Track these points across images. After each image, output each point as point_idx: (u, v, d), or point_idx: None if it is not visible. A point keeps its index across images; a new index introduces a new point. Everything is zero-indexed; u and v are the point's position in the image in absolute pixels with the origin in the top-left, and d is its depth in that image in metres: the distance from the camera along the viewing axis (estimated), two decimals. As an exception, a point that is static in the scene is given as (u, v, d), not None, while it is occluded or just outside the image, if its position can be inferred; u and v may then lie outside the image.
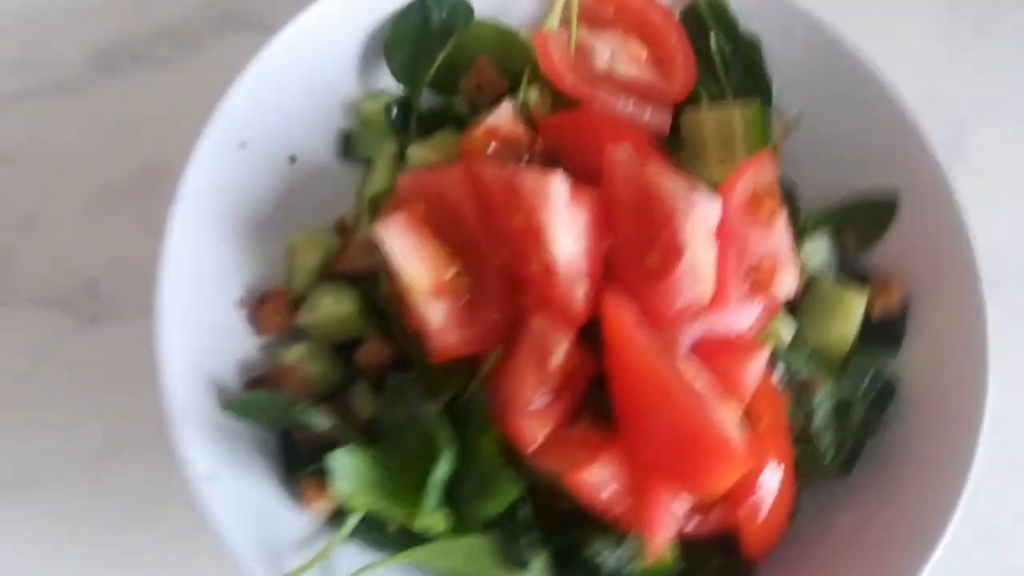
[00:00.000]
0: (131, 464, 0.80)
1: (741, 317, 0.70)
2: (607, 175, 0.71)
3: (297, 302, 0.76)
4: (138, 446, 0.80)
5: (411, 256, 0.65)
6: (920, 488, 0.74)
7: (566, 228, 0.64)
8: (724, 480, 0.61)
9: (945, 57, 1.14)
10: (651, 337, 0.65)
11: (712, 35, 0.89)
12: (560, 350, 0.64)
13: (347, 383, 0.75)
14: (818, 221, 0.86)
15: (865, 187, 0.88)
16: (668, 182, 0.68)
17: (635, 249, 0.69)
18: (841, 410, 0.76)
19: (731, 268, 0.70)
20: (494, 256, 0.68)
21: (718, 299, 0.69)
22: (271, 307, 0.74)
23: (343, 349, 0.75)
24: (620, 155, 0.70)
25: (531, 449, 0.64)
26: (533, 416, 0.64)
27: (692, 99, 0.87)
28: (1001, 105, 1.11)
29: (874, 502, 0.76)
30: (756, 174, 0.74)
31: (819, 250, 0.84)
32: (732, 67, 0.90)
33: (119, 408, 0.81)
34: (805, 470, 0.76)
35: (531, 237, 0.65)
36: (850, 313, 0.80)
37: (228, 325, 0.73)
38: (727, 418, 0.62)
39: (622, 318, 0.64)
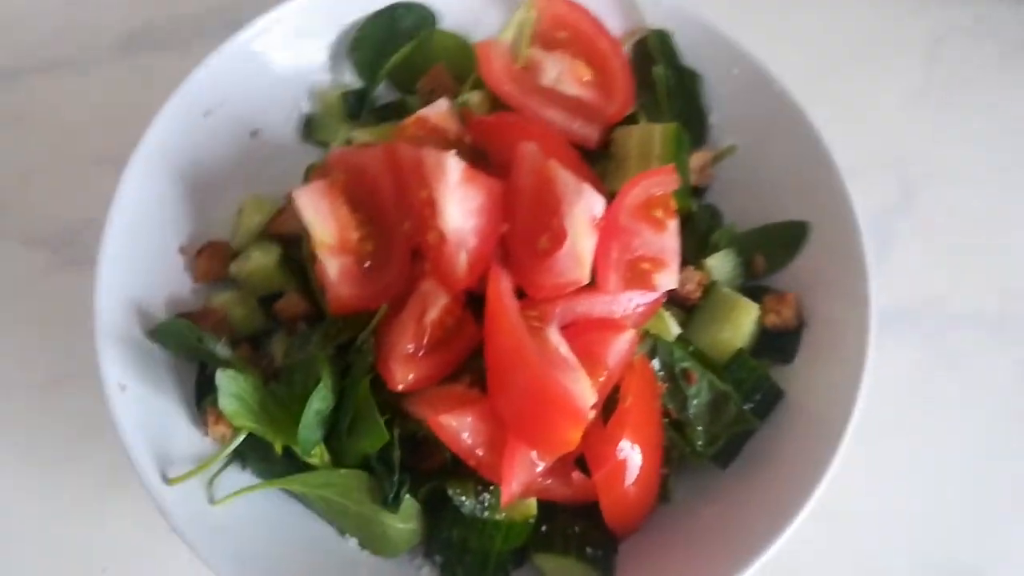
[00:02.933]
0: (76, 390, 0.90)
1: (617, 303, 0.77)
2: (515, 167, 0.79)
3: (233, 255, 0.85)
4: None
5: (320, 217, 0.75)
6: (774, 487, 0.79)
7: (457, 203, 0.73)
8: (566, 434, 0.67)
9: (912, 116, 1.20)
10: (523, 305, 0.72)
11: (657, 66, 0.97)
12: (437, 307, 0.72)
13: (270, 332, 0.84)
14: (730, 241, 0.93)
15: (781, 216, 0.94)
16: (562, 176, 0.76)
17: (530, 232, 0.77)
18: (717, 404, 0.81)
19: (612, 258, 0.77)
20: (400, 225, 0.77)
21: (598, 284, 0.76)
22: (209, 256, 0.84)
23: (268, 301, 0.84)
24: (527, 150, 0.79)
25: (398, 387, 0.72)
26: (404, 360, 0.72)
27: (633, 120, 0.95)
28: (953, 167, 1.16)
29: (735, 495, 0.81)
30: (654, 184, 0.81)
31: (724, 264, 0.91)
32: (674, 96, 0.99)
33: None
34: (679, 455, 0.82)
35: (430, 209, 0.74)
36: (740, 320, 0.86)
37: (168, 268, 0.83)
38: (575, 381, 0.69)
39: (498, 286, 0.72)
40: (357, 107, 0.93)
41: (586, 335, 0.74)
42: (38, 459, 0.88)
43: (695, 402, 0.81)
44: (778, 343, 0.88)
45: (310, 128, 0.95)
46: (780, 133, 0.94)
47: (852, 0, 1.25)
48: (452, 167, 0.72)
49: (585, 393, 0.69)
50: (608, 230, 0.76)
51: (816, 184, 0.90)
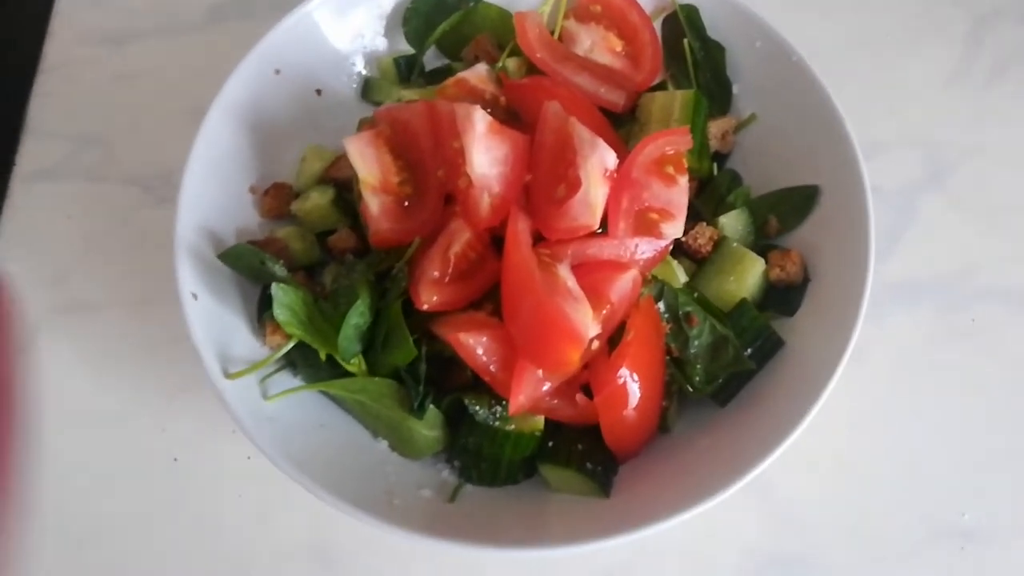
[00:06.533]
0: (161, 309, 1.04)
1: (624, 248, 0.86)
2: (540, 124, 0.89)
3: (295, 196, 0.98)
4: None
5: (366, 161, 0.86)
6: (764, 423, 0.86)
7: (483, 151, 0.83)
8: (566, 354, 0.77)
9: (950, 96, 1.23)
10: (540, 246, 0.82)
11: (686, 39, 1.05)
12: (461, 241, 0.83)
13: (324, 264, 0.96)
14: (745, 200, 1.00)
15: (797, 181, 1.00)
16: (579, 131, 0.85)
17: (549, 182, 0.86)
18: (717, 346, 0.89)
19: (622, 207, 0.85)
20: (435, 172, 0.88)
21: (608, 229, 0.85)
22: (274, 195, 0.97)
23: (323, 237, 0.96)
24: (550, 109, 0.88)
25: (423, 307, 0.82)
26: (430, 285, 0.83)
27: (662, 88, 1.03)
28: (989, 148, 1.19)
29: (729, 428, 0.89)
30: (668, 143, 0.89)
31: (736, 222, 0.98)
32: (701, 67, 1.06)
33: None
34: (678, 390, 0.91)
35: (461, 157, 0.84)
36: (745, 272, 0.93)
37: (240, 203, 0.96)
38: (576, 310, 0.78)
39: (516, 224, 0.82)
40: (408, 71, 1.04)
41: (594, 274, 0.84)
42: (127, 364, 1.03)
43: (696, 343, 0.89)
44: (783, 297, 0.95)
45: (367, 89, 1.06)
46: (798, 102, 1.00)
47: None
48: (479, 119, 0.82)
49: (584, 320, 0.78)
50: (621, 181, 0.85)
51: (829, 151, 0.96)
